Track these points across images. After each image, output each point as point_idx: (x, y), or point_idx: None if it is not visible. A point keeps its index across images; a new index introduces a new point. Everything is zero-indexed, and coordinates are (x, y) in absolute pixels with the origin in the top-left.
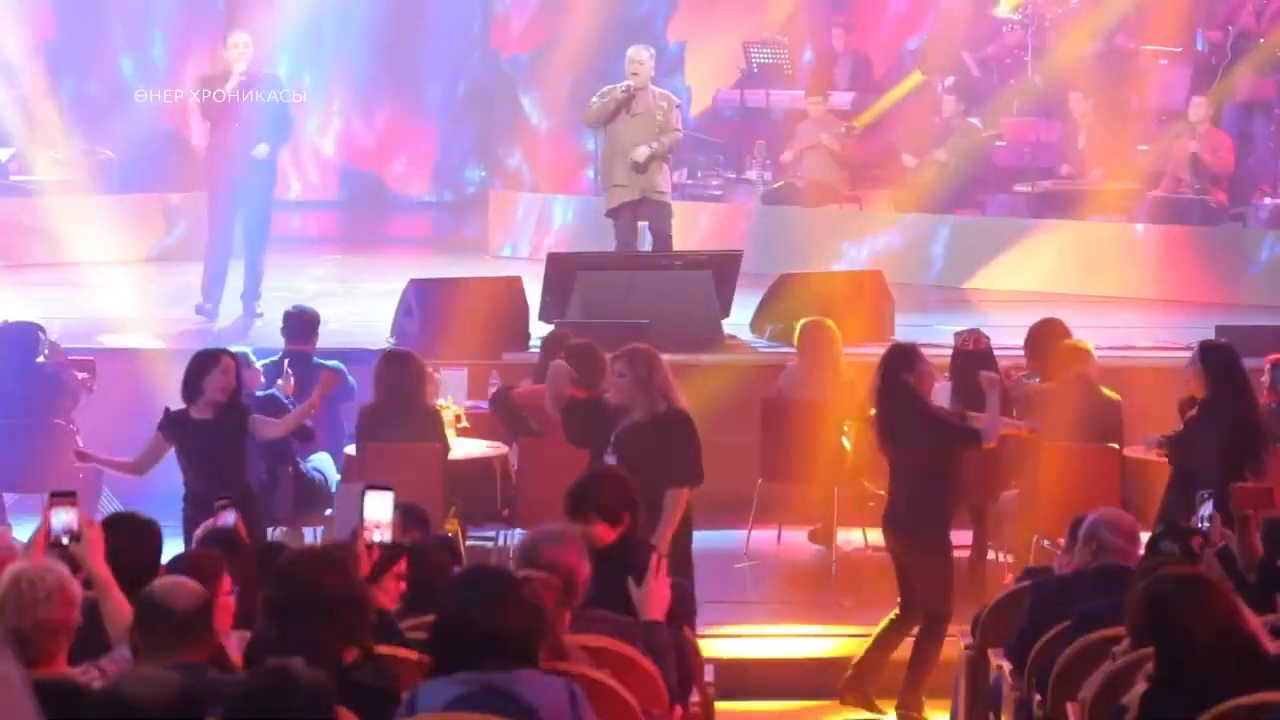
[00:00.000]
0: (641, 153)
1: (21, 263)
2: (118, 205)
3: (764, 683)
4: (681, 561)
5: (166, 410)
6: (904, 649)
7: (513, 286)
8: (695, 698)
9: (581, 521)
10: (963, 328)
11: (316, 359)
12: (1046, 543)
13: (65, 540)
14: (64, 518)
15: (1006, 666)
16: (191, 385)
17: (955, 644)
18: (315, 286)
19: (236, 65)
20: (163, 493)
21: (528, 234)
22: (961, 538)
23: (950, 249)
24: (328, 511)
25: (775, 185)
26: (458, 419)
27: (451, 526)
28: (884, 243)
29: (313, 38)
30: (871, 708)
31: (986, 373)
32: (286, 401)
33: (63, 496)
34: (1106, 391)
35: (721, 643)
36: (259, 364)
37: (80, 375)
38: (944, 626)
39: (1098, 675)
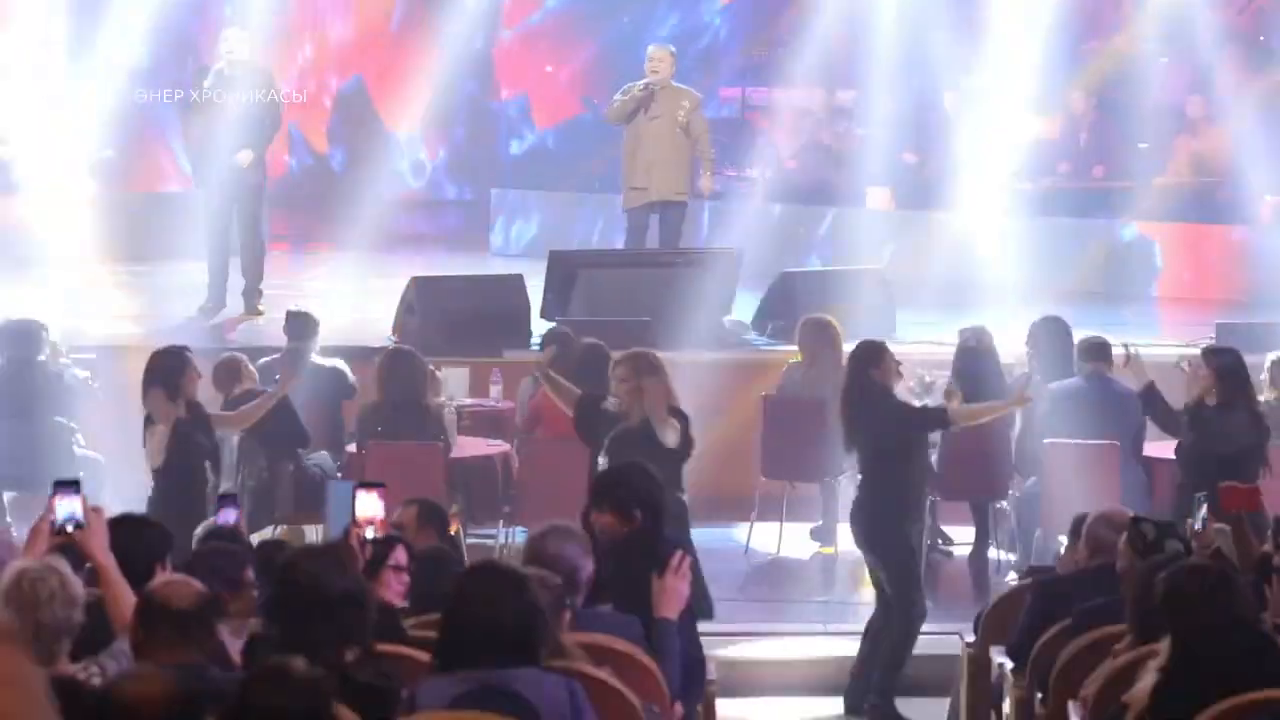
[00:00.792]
0: (705, 184)
1: (23, 261)
2: (121, 202)
3: (765, 681)
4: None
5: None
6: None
7: (514, 284)
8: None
9: (596, 511)
10: (966, 325)
11: (316, 357)
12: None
13: (70, 528)
14: (68, 506)
15: (1008, 664)
16: (172, 384)
17: (956, 642)
18: (317, 284)
19: (220, 60)
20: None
21: (530, 231)
22: (964, 535)
23: (953, 247)
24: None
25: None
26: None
27: (452, 525)
28: (885, 240)
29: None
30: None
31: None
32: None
33: (67, 485)
34: (1123, 386)
35: (723, 641)
36: (260, 361)
37: (82, 374)
38: (918, 624)
39: (1099, 673)
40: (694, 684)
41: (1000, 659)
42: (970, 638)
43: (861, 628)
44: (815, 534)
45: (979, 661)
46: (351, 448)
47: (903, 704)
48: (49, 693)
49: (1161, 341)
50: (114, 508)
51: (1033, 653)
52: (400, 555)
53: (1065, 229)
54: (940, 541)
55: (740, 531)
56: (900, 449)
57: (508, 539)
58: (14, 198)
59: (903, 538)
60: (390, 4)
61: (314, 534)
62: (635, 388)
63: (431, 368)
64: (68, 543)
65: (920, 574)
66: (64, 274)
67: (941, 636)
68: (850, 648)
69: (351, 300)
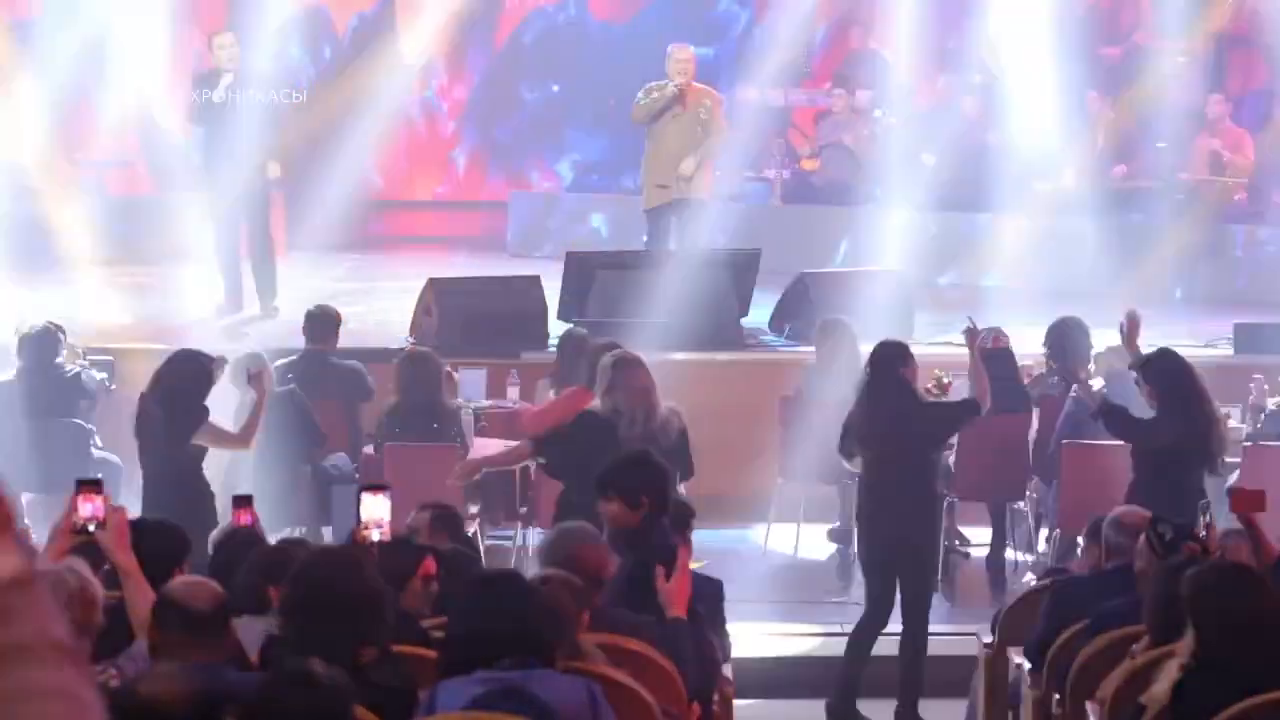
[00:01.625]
0: (689, 166)
1: (41, 264)
2: (139, 205)
3: (783, 681)
4: None
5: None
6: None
7: (531, 286)
8: (714, 696)
9: (603, 500)
10: (982, 326)
11: (334, 359)
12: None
13: (91, 527)
14: (90, 505)
15: (1025, 665)
16: (199, 393)
17: (974, 643)
18: (334, 286)
19: (226, 66)
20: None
21: (547, 232)
22: (981, 535)
23: (970, 247)
24: None
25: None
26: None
27: (470, 526)
28: (903, 241)
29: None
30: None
31: (971, 332)
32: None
33: (89, 484)
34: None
35: (741, 641)
36: (278, 363)
37: (99, 376)
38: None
39: (1117, 674)
40: (706, 683)
41: (1018, 660)
42: (988, 639)
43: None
44: (833, 535)
45: (997, 663)
46: (369, 449)
47: (920, 705)
48: (104, 706)
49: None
50: (131, 509)
51: (1050, 654)
52: (430, 565)
53: (1087, 229)
54: (957, 542)
55: (758, 533)
56: (932, 448)
57: (525, 540)
58: (31, 199)
59: (937, 537)
60: None
61: (331, 535)
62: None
63: (449, 369)
64: (88, 543)
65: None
66: (81, 276)
67: (959, 638)
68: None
69: (368, 302)
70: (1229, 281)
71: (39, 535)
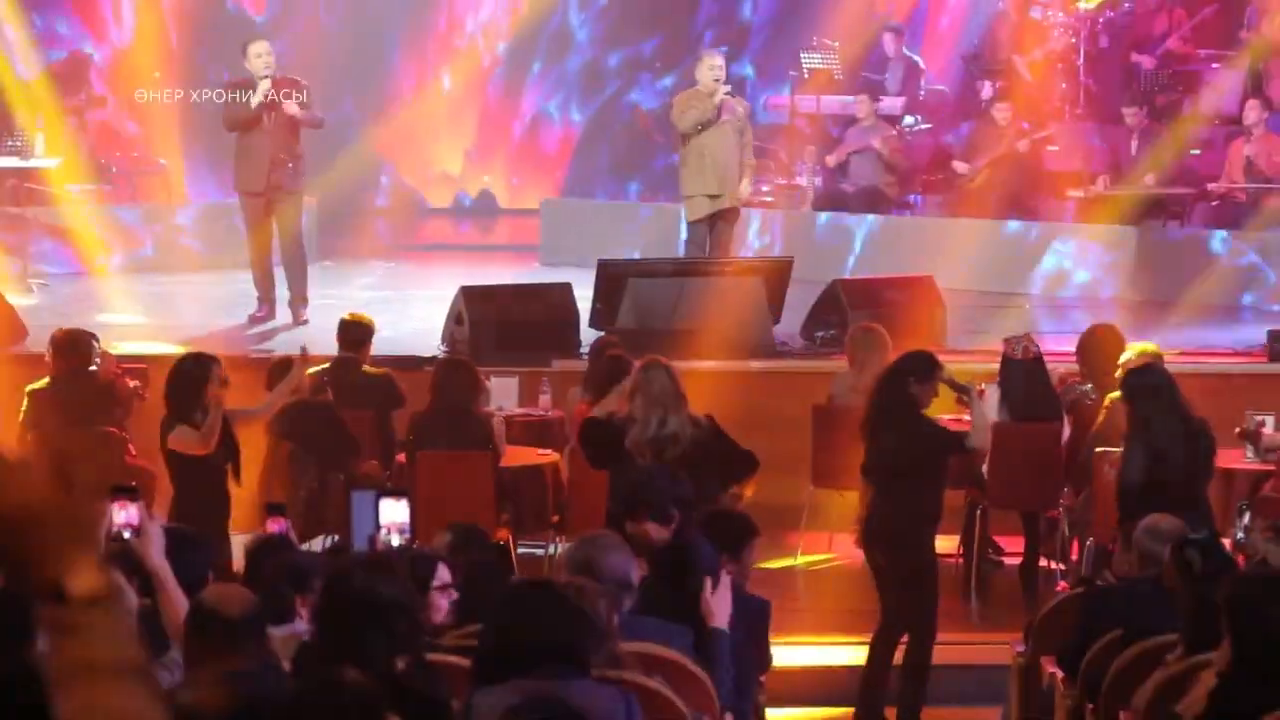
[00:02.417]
0: (745, 189)
1: (73, 271)
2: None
3: (815, 689)
4: None
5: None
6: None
7: (563, 294)
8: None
9: (633, 522)
10: (1013, 334)
11: (366, 367)
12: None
13: (126, 534)
14: (125, 512)
15: (1059, 674)
16: (194, 392)
17: (1007, 651)
18: (366, 294)
19: (261, 75)
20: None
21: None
22: (1014, 544)
23: (1002, 254)
24: None
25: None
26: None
27: (502, 535)
28: (936, 248)
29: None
30: None
31: (960, 384)
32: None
33: (124, 491)
34: None
35: (772, 649)
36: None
37: (133, 383)
38: (932, 641)
39: (1151, 683)
40: (744, 695)
41: (1051, 669)
42: (1021, 648)
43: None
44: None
45: (1030, 671)
46: (401, 457)
47: (953, 714)
48: None
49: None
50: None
51: (1084, 663)
52: (443, 574)
53: (1119, 236)
54: (990, 551)
55: (790, 540)
56: (928, 463)
57: (557, 549)
58: (64, 206)
59: (931, 552)
60: None
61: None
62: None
63: (480, 377)
64: (122, 550)
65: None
66: (114, 283)
67: (992, 646)
68: (899, 655)
69: (400, 310)
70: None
71: None
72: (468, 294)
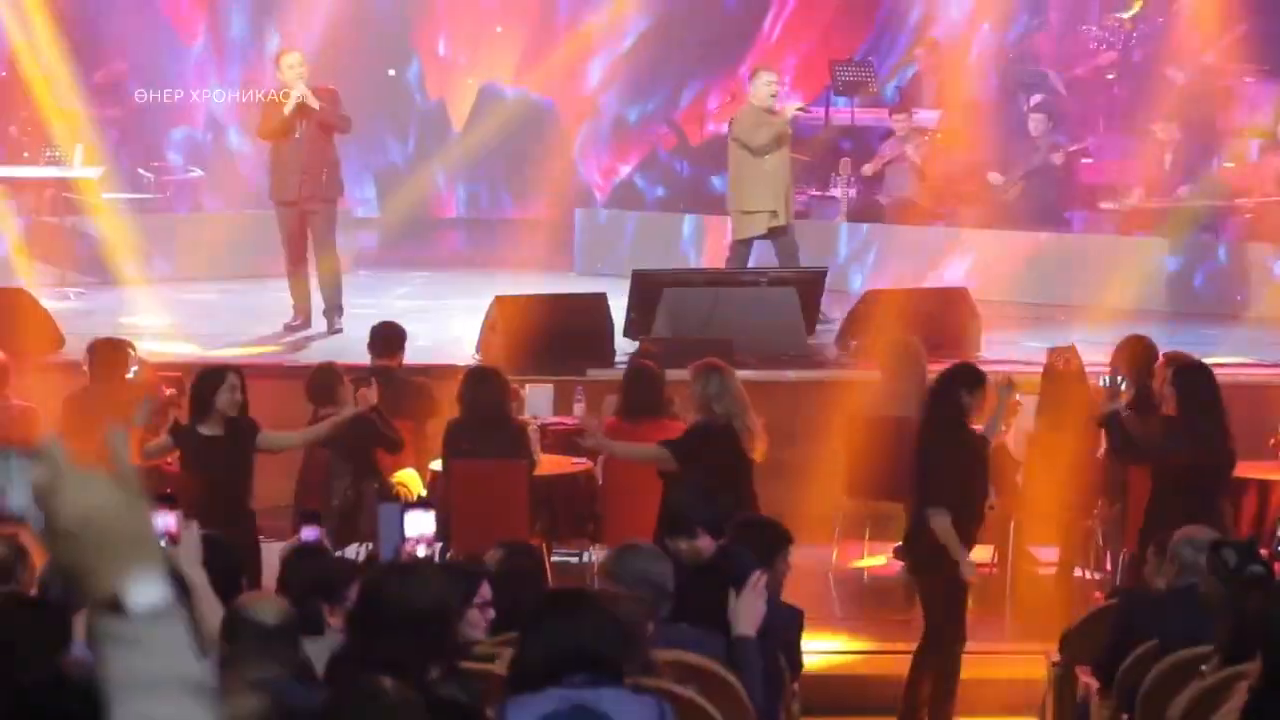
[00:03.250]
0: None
1: (110, 280)
2: (208, 221)
3: (848, 699)
4: None
5: (176, 421)
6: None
7: (598, 303)
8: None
9: (688, 537)
10: (1054, 345)
11: (400, 375)
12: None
13: (163, 543)
14: (162, 521)
15: (1094, 684)
16: (203, 401)
17: (1042, 661)
18: (402, 303)
19: (295, 86)
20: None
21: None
22: (1049, 553)
23: (1037, 266)
24: None
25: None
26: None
27: (536, 543)
28: (970, 259)
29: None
30: None
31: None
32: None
33: (162, 500)
34: None
35: (805, 659)
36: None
37: (169, 391)
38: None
39: (1186, 693)
40: (772, 701)
41: (1086, 679)
42: (1056, 657)
43: None
44: (899, 553)
45: (1065, 681)
46: (436, 465)
47: None
48: None
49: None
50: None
51: (1119, 673)
52: (485, 591)
53: (1153, 247)
54: (1025, 562)
55: (824, 550)
56: (967, 475)
57: (592, 558)
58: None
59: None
60: None
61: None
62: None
63: (515, 386)
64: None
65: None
66: (153, 291)
67: (1027, 656)
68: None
69: (435, 319)
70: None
71: None
72: (503, 303)
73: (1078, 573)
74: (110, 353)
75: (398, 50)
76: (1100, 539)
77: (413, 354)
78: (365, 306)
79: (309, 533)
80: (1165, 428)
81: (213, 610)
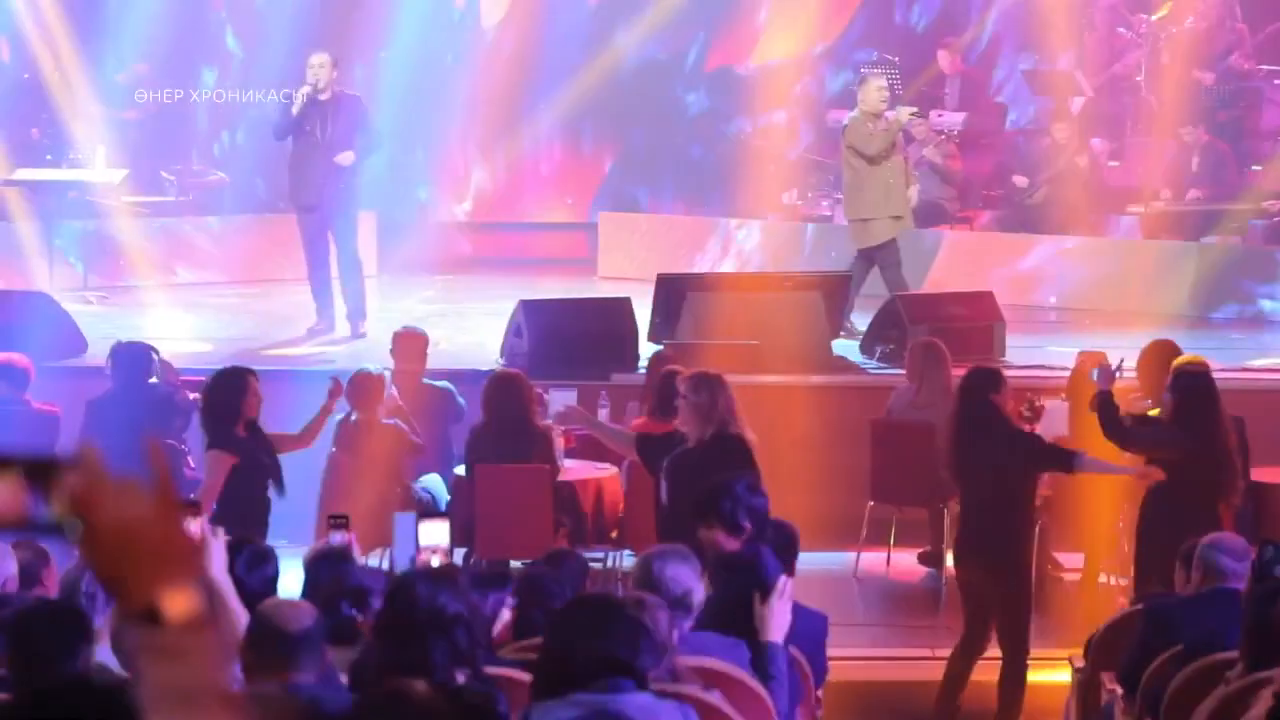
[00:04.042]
0: (915, 193)
1: (132, 283)
2: (230, 225)
3: (873, 705)
4: None
5: (220, 427)
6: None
7: (622, 307)
8: None
9: (704, 526)
10: (1080, 349)
11: (424, 379)
12: None
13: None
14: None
15: (1119, 690)
16: (231, 406)
17: (1066, 667)
18: (425, 307)
19: (310, 84)
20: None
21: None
22: (1074, 559)
23: (1063, 270)
24: None
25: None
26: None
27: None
28: (993, 263)
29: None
30: None
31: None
32: (388, 421)
33: (186, 506)
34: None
35: (830, 664)
36: None
37: (192, 396)
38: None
39: (1211, 700)
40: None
41: (1111, 685)
42: (1081, 663)
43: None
44: (924, 558)
45: (1089, 687)
46: (459, 470)
47: None
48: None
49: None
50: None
51: (1144, 679)
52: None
53: (1178, 251)
54: (1050, 567)
55: (849, 556)
56: (1019, 479)
57: (615, 563)
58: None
59: (1029, 570)
60: None
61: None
62: (695, 406)
63: (539, 390)
64: None
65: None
66: (175, 295)
67: (1052, 662)
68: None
69: (458, 323)
70: None
71: None
72: (527, 307)
73: (1103, 579)
74: (132, 356)
75: None
76: (1126, 545)
77: (435, 358)
78: (387, 311)
79: (338, 537)
80: (1160, 427)
81: (237, 618)
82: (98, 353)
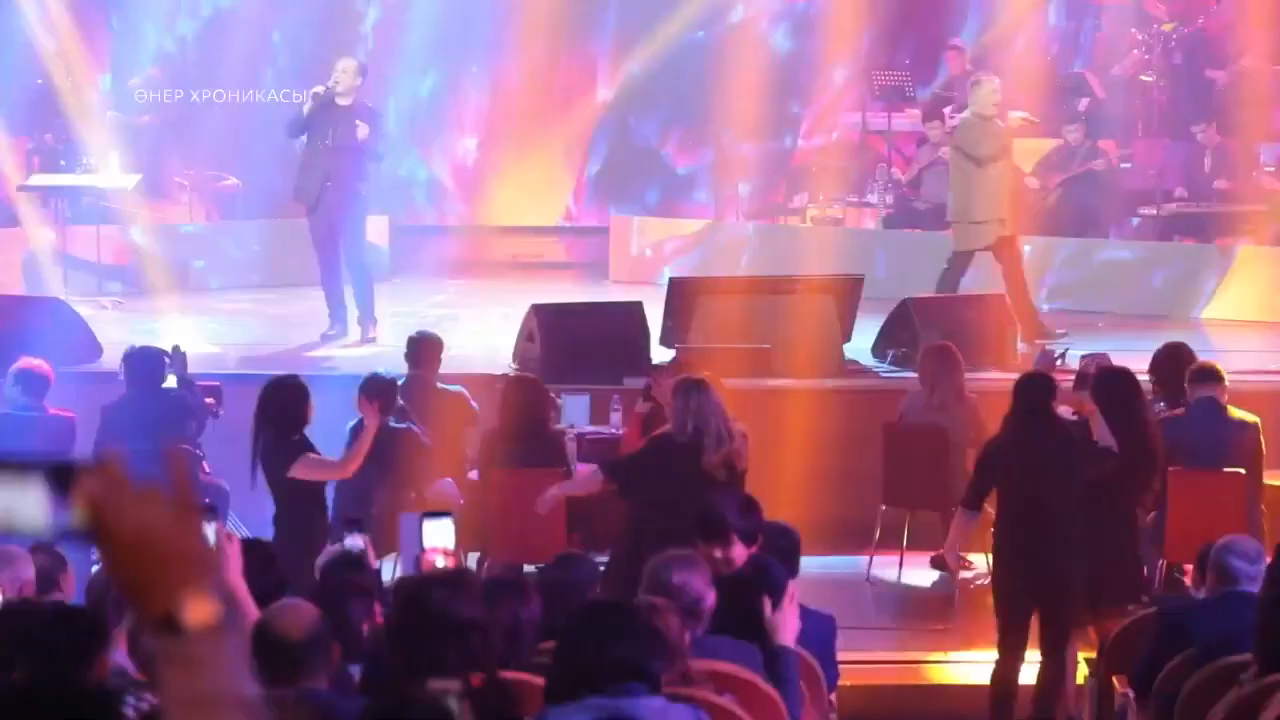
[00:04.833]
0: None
1: (146, 288)
2: (243, 229)
3: (885, 708)
4: None
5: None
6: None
7: (634, 311)
8: None
9: (719, 545)
10: (1087, 352)
11: (437, 384)
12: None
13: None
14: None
15: (1131, 694)
16: (298, 413)
17: (1081, 670)
18: (438, 311)
19: (328, 85)
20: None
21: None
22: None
23: (1075, 272)
24: None
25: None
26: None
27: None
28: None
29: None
30: None
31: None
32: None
33: (203, 511)
34: (1238, 413)
35: (843, 669)
36: None
37: (206, 400)
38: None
39: (1224, 703)
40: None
41: (1124, 688)
42: (1094, 666)
43: (983, 653)
44: (936, 562)
45: (1102, 691)
46: (473, 475)
47: None
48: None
49: None
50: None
51: (1156, 682)
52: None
53: (1189, 252)
54: None
55: (861, 559)
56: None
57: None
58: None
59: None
60: None
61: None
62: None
63: (552, 395)
64: None
65: None
66: (187, 301)
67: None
68: (971, 675)
69: (471, 327)
70: None
71: None
72: (539, 312)
73: None
74: (146, 362)
75: None
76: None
77: (448, 363)
78: (400, 315)
79: (354, 540)
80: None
81: (250, 618)
82: (112, 358)
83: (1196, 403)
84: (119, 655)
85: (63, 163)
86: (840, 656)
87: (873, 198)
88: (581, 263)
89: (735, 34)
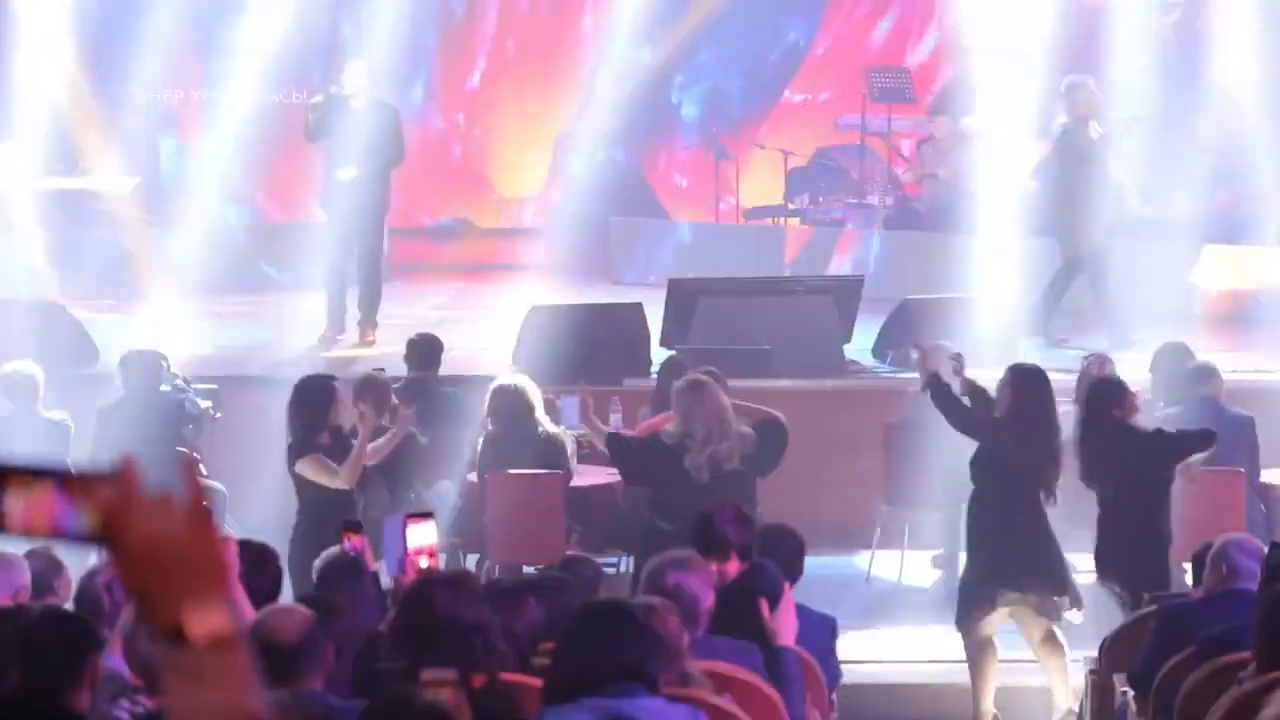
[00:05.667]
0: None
1: (142, 292)
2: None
3: (887, 708)
4: None
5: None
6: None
7: (633, 312)
8: None
9: (720, 559)
10: (1088, 352)
11: (436, 386)
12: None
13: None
14: None
15: (1131, 692)
16: (320, 415)
17: (1079, 669)
18: (437, 313)
19: (346, 91)
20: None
21: (648, 259)
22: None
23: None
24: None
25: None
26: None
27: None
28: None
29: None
30: None
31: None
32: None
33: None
34: (1236, 410)
35: (844, 667)
36: None
37: (204, 404)
38: None
39: (1224, 701)
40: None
41: (1124, 686)
42: (1094, 665)
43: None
44: (937, 562)
45: (1102, 689)
46: (471, 476)
47: None
48: None
49: None
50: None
51: (1156, 680)
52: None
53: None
54: None
55: (862, 559)
56: (1165, 478)
57: (628, 568)
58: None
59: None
60: None
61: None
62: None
63: (551, 396)
64: None
65: None
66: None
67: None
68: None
69: (470, 329)
70: None
71: None
72: (538, 312)
73: None
74: (143, 365)
75: None
76: None
77: (447, 364)
78: (400, 317)
79: (351, 543)
80: (992, 422)
81: (246, 619)
82: (109, 361)
83: (1195, 401)
84: (114, 660)
85: (59, 166)
86: (840, 656)
87: (872, 199)
88: (582, 263)
89: None
